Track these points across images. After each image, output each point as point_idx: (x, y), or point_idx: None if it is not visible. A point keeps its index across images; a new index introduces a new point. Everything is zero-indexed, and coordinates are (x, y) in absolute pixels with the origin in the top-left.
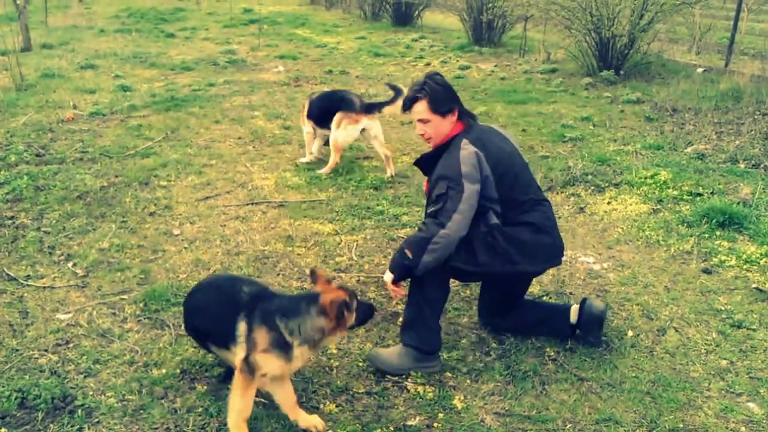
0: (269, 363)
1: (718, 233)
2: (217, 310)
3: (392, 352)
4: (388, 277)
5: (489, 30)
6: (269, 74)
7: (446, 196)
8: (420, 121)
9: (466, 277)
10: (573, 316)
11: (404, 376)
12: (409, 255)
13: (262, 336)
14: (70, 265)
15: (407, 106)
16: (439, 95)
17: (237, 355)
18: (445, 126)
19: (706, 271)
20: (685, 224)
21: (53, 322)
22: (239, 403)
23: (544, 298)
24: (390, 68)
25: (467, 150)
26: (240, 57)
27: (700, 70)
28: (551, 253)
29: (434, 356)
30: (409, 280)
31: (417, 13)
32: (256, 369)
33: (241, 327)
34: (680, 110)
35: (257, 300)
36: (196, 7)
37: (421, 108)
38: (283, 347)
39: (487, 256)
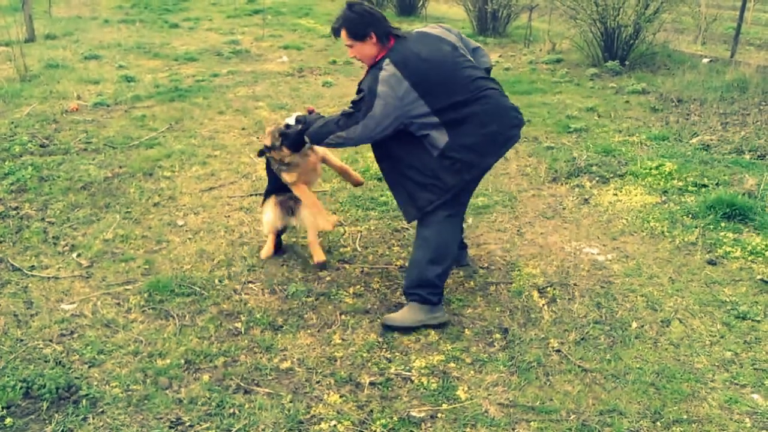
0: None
1: (723, 224)
2: None
3: (404, 312)
4: (292, 119)
5: (494, 20)
6: (273, 65)
7: (358, 105)
8: (347, 45)
9: (454, 204)
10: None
11: (408, 368)
12: (307, 140)
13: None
14: (74, 255)
15: (335, 34)
16: (354, 22)
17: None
18: (368, 48)
19: (711, 263)
20: (690, 215)
21: (58, 313)
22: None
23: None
24: None
25: (387, 71)
26: (244, 47)
27: (705, 60)
28: (504, 138)
29: (440, 305)
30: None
31: (421, 2)
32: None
33: None
34: (686, 101)
35: None
36: None
37: (342, 35)
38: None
39: (452, 176)
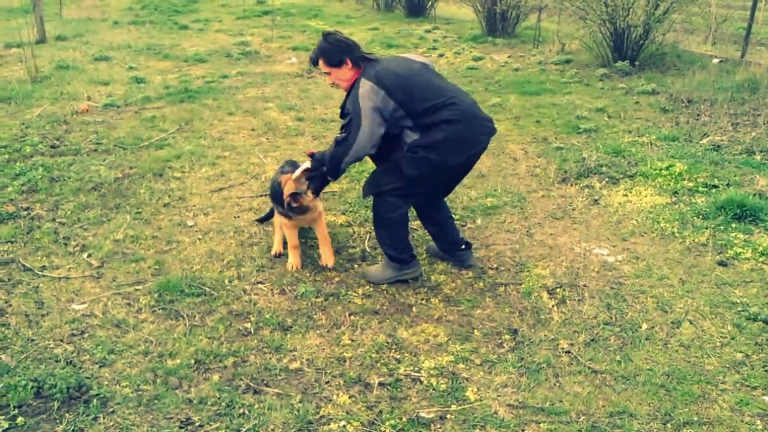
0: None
1: (733, 225)
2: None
3: (378, 267)
4: (301, 169)
5: (503, 21)
6: (282, 66)
7: (350, 126)
8: (325, 73)
9: (407, 192)
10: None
11: (417, 369)
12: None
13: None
14: (85, 255)
15: (313, 63)
16: (330, 51)
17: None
18: (344, 73)
19: (722, 264)
20: (701, 216)
21: (68, 313)
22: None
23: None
24: None
25: (364, 87)
26: (253, 48)
27: (716, 60)
28: (470, 142)
29: (412, 262)
30: (371, 212)
31: (430, 3)
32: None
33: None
34: (696, 101)
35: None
36: None
37: (320, 64)
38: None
39: (412, 167)
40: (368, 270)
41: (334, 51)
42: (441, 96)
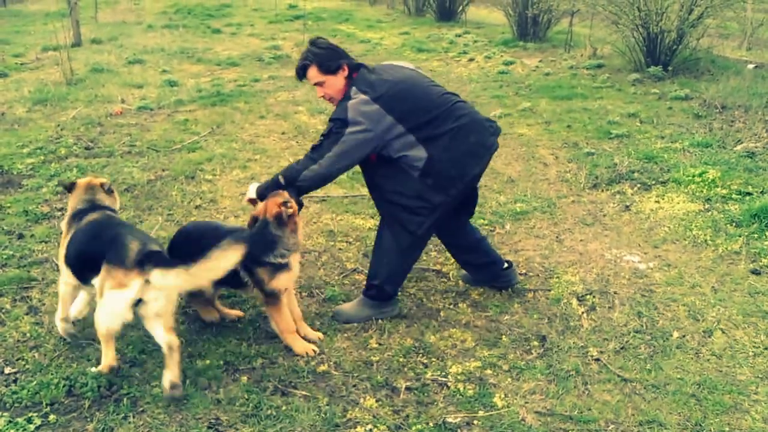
0: (281, 281)
1: (767, 234)
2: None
3: (353, 306)
4: (252, 190)
5: (534, 25)
6: None
7: (327, 136)
8: (317, 85)
9: (437, 219)
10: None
11: (444, 374)
12: (282, 181)
13: (264, 274)
14: None
15: (300, 76)
16: (324, 56)
17: (257, 295)
18: (339, 81)
19: (755, 272)
20: (734, 224)
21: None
22: (282, 322)
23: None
24: (434, 64)
25: (356, 98)
26: (285, 53)
27: (751, 66)
28: (484, 148)
29: (393, 300)
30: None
31: (461, 8)
32: (277, 292)
33: (244, 275)
34: (730, 107)
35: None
36: (242, 3)
37: (312, 73)
38: (282, 267)
39: (438, 194)
40: (341, 309)
41: (331, 55)
42: (444, 102)
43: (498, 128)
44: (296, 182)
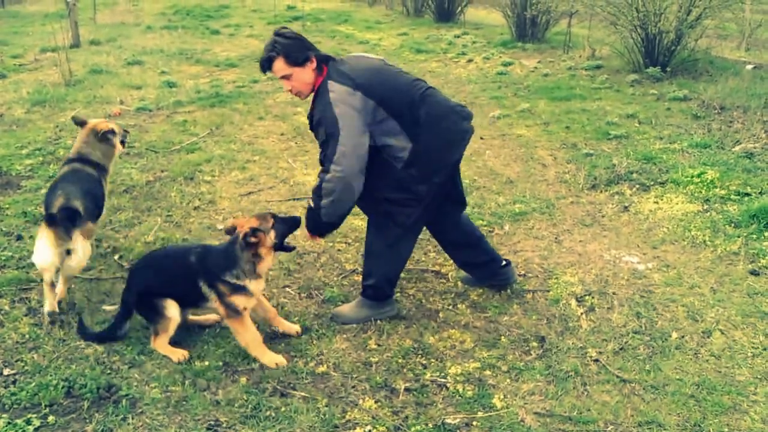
0: (239, 301)
1: (766, 234)
2: (182, 279)
3: (351, 307)
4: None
5: (533, 26)
6: None
7: (327, 142)
8: (283, 78)
9: (425, 209)
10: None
11: (443, 375)
12: (311, 204)
13: (223, 288)
14: (116, 257)
15: (265, 69)
16: (292, 47)
17: (219, 308)
18: (307, 74)
19: (754, 273)
20: (733, 224)
21: (99, 314)
22: (248, 335)
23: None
24: (432, 65)
25: (335, 91)
26: None
27: (749, 67)
28: (459, 133)
29: (391, 299)
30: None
31: (460, 9)
32: (237, 307)
33: (205, 289)
34: (728, 108)
35: (204, 262)
36: (240, 3)
37: (279, 66)
38: (239, 288)
39: (422, 184)
40: (340, 310)
41: (298, 46)
42: (415, 88)
43: (470, 113)
44: (322, 198)
